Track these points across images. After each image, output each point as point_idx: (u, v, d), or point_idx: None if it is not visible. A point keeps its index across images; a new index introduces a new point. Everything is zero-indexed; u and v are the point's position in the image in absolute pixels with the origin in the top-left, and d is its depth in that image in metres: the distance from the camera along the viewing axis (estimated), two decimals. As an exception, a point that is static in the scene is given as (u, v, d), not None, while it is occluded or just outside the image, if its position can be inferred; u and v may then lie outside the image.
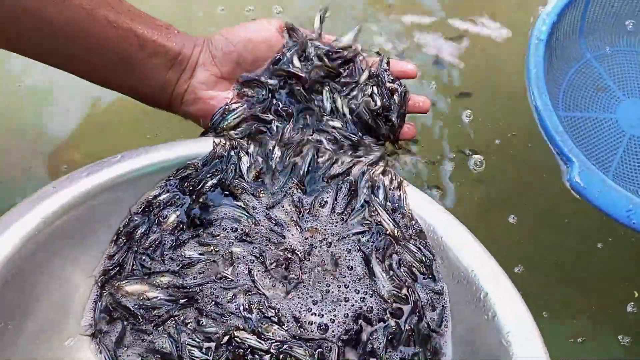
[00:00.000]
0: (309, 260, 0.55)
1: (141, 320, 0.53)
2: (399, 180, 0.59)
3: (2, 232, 0.50)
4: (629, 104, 0.88)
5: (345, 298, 0.54)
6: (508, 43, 0.94)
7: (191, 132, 0.65)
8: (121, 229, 0.57)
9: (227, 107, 0.64)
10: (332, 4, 0.95)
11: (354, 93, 0.65)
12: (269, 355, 0.51)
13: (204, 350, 0.52)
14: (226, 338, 0.52)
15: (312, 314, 0.53)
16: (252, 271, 0.55)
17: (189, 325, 0.53)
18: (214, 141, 0.60)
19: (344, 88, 0.65)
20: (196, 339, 0.52)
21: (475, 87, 0.90)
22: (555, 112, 0.72)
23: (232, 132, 0.63)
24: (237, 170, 0.59)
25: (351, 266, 0.55)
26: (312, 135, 0.62)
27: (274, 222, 0.57)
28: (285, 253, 0.55)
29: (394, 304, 0.53)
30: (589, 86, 0.89)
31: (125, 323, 0.53)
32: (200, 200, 0.57)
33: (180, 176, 0.58)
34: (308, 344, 0.51)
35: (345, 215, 0.57)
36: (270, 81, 0.64)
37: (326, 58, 0.65)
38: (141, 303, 0.53)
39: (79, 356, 0.54)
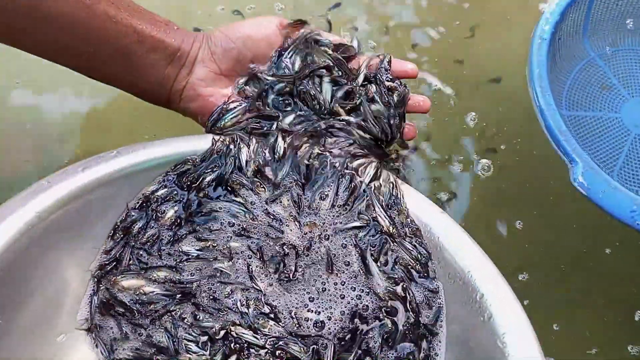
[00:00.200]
0: (307, 255, 0.55)
1: (137, 315, 0.53)
2: (394, 178, 0.59)
3: (-5, 226, 0.49)
4: (634, 103, 0.86)
5: (341, 295, 0.54)
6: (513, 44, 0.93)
7: (190, 131, 0.64)
8: (118, 224, 0.57)
9: (225, 106, 0.63)
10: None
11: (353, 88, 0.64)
12: (265, 350, 0.51)
13: (200, 344, 0.52)
14: (222, 333, 0.52)
15: (308, 311, 0.53)
16: (250, 267, 0.55)
17: (185, 320, 0.53)
18: (213, 137, 0.60)
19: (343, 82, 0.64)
20: (193, 334, 0.52)
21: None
22: (559, 111, 0.71)
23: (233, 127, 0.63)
24: (237, 164, 0.58)
25: (348, 262, 0.55)
26: (314, 129, 0.62)
27: (272, 217, 0.57)
28: (284, 248, 0.55)
29: (389, 302, 0.53)
30: (594, 85, 0.88)
31: (121, 318, 0.53)
32: (200, 195, 0.57)
33: (179, 171, 0.58)
34: (304, 340, 0.51)
35: (345, 209, 0.57)
36: (271, 78, 0.64)
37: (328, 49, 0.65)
38: (137, 298, 0.53)
39: (72, 353, 0.54)
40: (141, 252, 0.55)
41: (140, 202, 0.57)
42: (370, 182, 0.58)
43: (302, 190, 0.58)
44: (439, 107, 0.86)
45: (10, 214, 0.51)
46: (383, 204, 0.57)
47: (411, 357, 0.51)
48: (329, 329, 0.52)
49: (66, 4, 0.55)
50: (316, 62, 0.64)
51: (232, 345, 0.51)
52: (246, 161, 0.59)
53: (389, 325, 0.52)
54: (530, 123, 0.75)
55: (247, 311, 0.53)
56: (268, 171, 0.59)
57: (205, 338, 0.52)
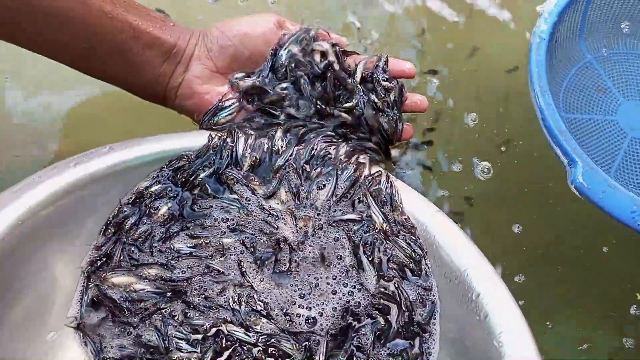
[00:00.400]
0: (301, 250, 0.55)
1: (127, 312, 0.52)
2: (390, 176, 0.59)
3: (-16, 221, 0.49)
4: (630, 106, 0.86)
5: (333, 291, 0.54)
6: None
7: (185, 129, 0.63)
8: (110, 219, 0.56)
9: (220, 104, 0.63)
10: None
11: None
12: (257, 348, 0.51)
13: (191, 342, 0.51)
14: (213, 331, 0.51)
15: (300, 307, 0.53)
16: (242, 262, 0.54)
17: (176, 318, 0.52)
18: (210, 134, 0.59)
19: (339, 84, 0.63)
20: (183, 332, 0.52)
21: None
22: (557, 112, 0.70)
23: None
24: (233, 157, 0.58)
25: (340, 256, 0.55)
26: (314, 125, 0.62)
27: (267, 212, 0.56)
28: (278, 244, 0.55)
29: (382, 300, 0.53)
30: (590, 87, 0.87)
31: (111, 315, 0.53)
32: (195, 192, 0.57)
33: (173, 167, 0.58)
34: (296, 337, 0.51)
35: (342, 200, 0.57)
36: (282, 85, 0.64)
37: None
38: (127, 295, 0.53)
39: (62, 351, 0.53)
40: (132, 249, 0.55)
41: (134, 197, 0.57)
42: (366, 179, 0.58)
43: (301, 180, 0.58)
44: (439, 108, 0.86)
45: (1, 209, 0.50)
46: (378, 200, 0.56)
47: (404, 355, 0.51)
48: (321, 325, 0.52)
49: None
50: (314, 60, 0.64)
51: (223, 343, 0.51)
52: (242, 154, 0.58)
53: (382, 323, 0.52)
54: (530, 124, 0.74)
55: (238, 308, 0.52)
56: (266, 161, 0.58)
57: (196, 336, 0.51)
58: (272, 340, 0.50)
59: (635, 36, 0.90)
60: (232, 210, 0.56)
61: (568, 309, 0.74)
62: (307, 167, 0.59)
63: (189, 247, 0.55)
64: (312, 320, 0.52)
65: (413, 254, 0.54)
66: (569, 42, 0.86)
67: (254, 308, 0.52)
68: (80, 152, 0.56)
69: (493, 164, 0.80)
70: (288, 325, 0.52)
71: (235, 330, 0.51)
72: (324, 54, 0.64)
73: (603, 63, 0.89)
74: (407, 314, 0.52)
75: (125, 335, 0.52)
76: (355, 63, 0.65)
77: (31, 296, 0.52)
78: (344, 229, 0.56)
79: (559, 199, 0.79)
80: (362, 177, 0.58)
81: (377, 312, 0.52)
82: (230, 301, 0.52)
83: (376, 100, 0.63)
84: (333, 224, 0.56)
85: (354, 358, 0.50)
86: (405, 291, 0.53)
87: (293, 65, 0.63)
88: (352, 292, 0.53)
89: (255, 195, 0.57)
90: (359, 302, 0.53)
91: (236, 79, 0.64)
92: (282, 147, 0.59)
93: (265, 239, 0.55)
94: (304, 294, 0.53)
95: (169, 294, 0.53)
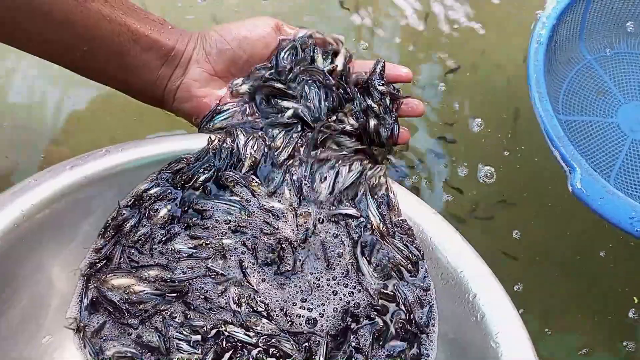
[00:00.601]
0: (303, 248, 0.55)
1: (126, 314, 0.53)
2: (387, 177, 0.59)
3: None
4: (631, 107, 0.86)
5: (334, 292, 0.54)
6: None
7: (183, 131, 0.63)
8: (109, 222, 0.57)
9: (218, 108, 0.63)
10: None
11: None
12: (257, 349, 0.51)
13: (192, 343, 0.52)
14: (214, 332, 0.52)
15: (300, 308, 0.53)
16: (243, 263, 0.55)
17: (176, 319, 0.53)
18: (209, 136, 0.60)
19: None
20: (184, 333, 0.52)
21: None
22: (556, 116, 0.70)
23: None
24: (233, 158, 0.58)
25: (340, 253, 0.55)
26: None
27: (267, 212, 0.56)
28: (280, 244, 0.55)
29: (380, 301, 0.53)
30: (590, 89, 0.88)
31: (110, 317, 0.53)
32: (194, 194, 0.57)
33: (172, 170, 0.58)
34: (296, 338, 0.52)
35: (344, 195, 0.57)
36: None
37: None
38: (127, 297, 0.53)
39: (57, 355, 0.53)
40: (132, 251, 0.55)
41: (133, 200, 0.57)
42: (365, 177, 0.58)
43: (304, 170, 0.58)
44: (445, 112, 0.87)
45: (-3, 212, 0.51)
46: (375, 200, 0.57)
47: (402, 356, 0.51)
48: (322, 326, 0.53)
49: (60, 1, 0.55)
50: (315, 63, 0.64)
51: (224, 344, 0.52)
52: (242, 154, 0.58)
53: (380, 324, 0.52)
54: (533, 128, 0.74)
55: (239, 309, 0.53)
56: (267, 159, 0.58)
57: (196, 337, 0.52)
58: (273, 340, 0.51)
59: (638, 35, 0.89)
60: (232, 212, 0.56)
61: (567, 315, 0.75)
62: (310, 159, 0.59)
63: (190, 248, 0.55)
64: (312, 321, 0.53)
65: (410, 255, 0.55)
66: (569, 43, 0.86)
67: (255, 309, 0.52)
68: (77, 155, 0.56)
69: (496, 168, 0.81)
70: (288, 325, 0.52)
71: (235, 331, 0.52)
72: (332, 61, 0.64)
73: (603, 64, 0.89)
74: (405, 314, 0.52)
75: (125, 337, 0.52)
76: (353, 67, 0.66)
77: (26, 299, 0.52)
78: (343, 225, 0.56)
79: (558, 203, 0.79)
80: (363, 174, 0.58)
81: (375, 313, 0.53)
82: (231, 302, 0.53)
83: (373, 105, 0.64)
84: (332, 219, 0.56)
85: (353, 358, 0.51)
86: (403, 292, 0.53)
87: (297, 70, 0.63)
88: (352, 292, 0.54)
89: (255, 197, 0.57)
90: (359, 303, 0.53)
91: (236, 84, 0.64)
92: (282, 145, 0.59)
93: (266, 239, 0.55)
94: (305, 294, 0.54)
95: (169, 296, 0.53)
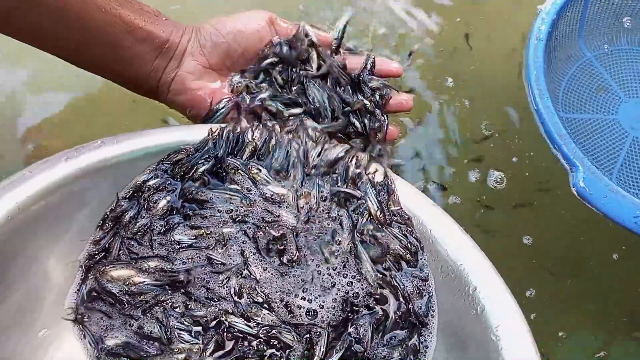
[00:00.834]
0: (304, 235, 0.56)
1: (126, 306, 0.53)
2: (386, 167, 0.60)
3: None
4: (632, 104, 0.87)
5: (332, 283, 0.55)
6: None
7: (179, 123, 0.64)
8: (108, 213, 0.57)
9: (214, 107, 0.65)
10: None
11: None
12: (258, 339, 0.52)
13: (193, 334, 0.52)
14: (215, 322, 0.53)
15: (301, 299, 0.54)
16: (245, 253, 0.55)
17: (177, 309, 0.54)
18: (210, 128, 0.60)
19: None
20: (185, 323, 0.53)
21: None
22: (557, 113, 0.70)
23: None
24: (234, 144, 0.59)
25: (339, 241, 0.56)
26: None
27: (268, 199, 0.57)
28: (282, 231, 0.55)
29: (380, 290, 0.54)
30: (590, 86, 0.88)
31: (110, 308, 0.53)
32: (194, 184, 0.57)
33: (172, 161, 0.59)
34: (297, 329, 0.52)
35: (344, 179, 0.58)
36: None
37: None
38: (127, 288, 0.54)
39: (53, 349, 0.54)
40: (132, 242, 0.56)
41: (131, 191, 0.58)
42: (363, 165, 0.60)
43: (307, 146, 0.59)
44: (453, 114, 0.87)
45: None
46: (374, 188, 0.57)
47: (401, 346, 0.52)
48: (322, 317, 0.53)
49: None
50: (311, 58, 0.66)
51: (225, 334, 0.52)
52: (245, 137, 0.59)
53: (379, 313, 0.53)
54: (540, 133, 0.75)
55: (239, 300, 0.53)
56: (268, 144, 0.59)
57: (197, 327, 0.53)
58: (273, 331, 0.52)
59: (637, 31, 0.90)
60: (233, 200, 0.57)
61: (581, 318, 0.74)
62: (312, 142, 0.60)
63: (190, 239, 0.56)
64: (313, 312, 0.54)
65: (409, 245, 0.55)
66: (568, 39, 0.87)
67: (255, 300, 0.53)
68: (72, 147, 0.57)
69: (506, 173, 0.81)
70: (289, 317, 0.53)
71: (236, 322, 0.52)
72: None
73: (603, 61, 0.90)
74: (404, 304, 0.53)
75: (126, 327, 0.53)
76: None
77: (21, 292, 0.53)
78: (343, 207, 0.56)
79: (567, 208, 0.79)
80: (348, 153, 0.59)
81: (374, 302, 0.53)
82: (232, 292, 0.54)
83: (365, 101, 0.65)
84: (333, 198, 0.57)
85: (352, 349, 0.51)
86: (401, 282, 0.54)
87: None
88: (351, 282, 0.55)
89: (256, 184, 0.57)
90: (358, 293, 0.54)
91: (235, 81, 0.66)
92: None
93: (267, 227, 0.56)
94: (305, 286, 0.54)
95: (169, 286, 0.54)
